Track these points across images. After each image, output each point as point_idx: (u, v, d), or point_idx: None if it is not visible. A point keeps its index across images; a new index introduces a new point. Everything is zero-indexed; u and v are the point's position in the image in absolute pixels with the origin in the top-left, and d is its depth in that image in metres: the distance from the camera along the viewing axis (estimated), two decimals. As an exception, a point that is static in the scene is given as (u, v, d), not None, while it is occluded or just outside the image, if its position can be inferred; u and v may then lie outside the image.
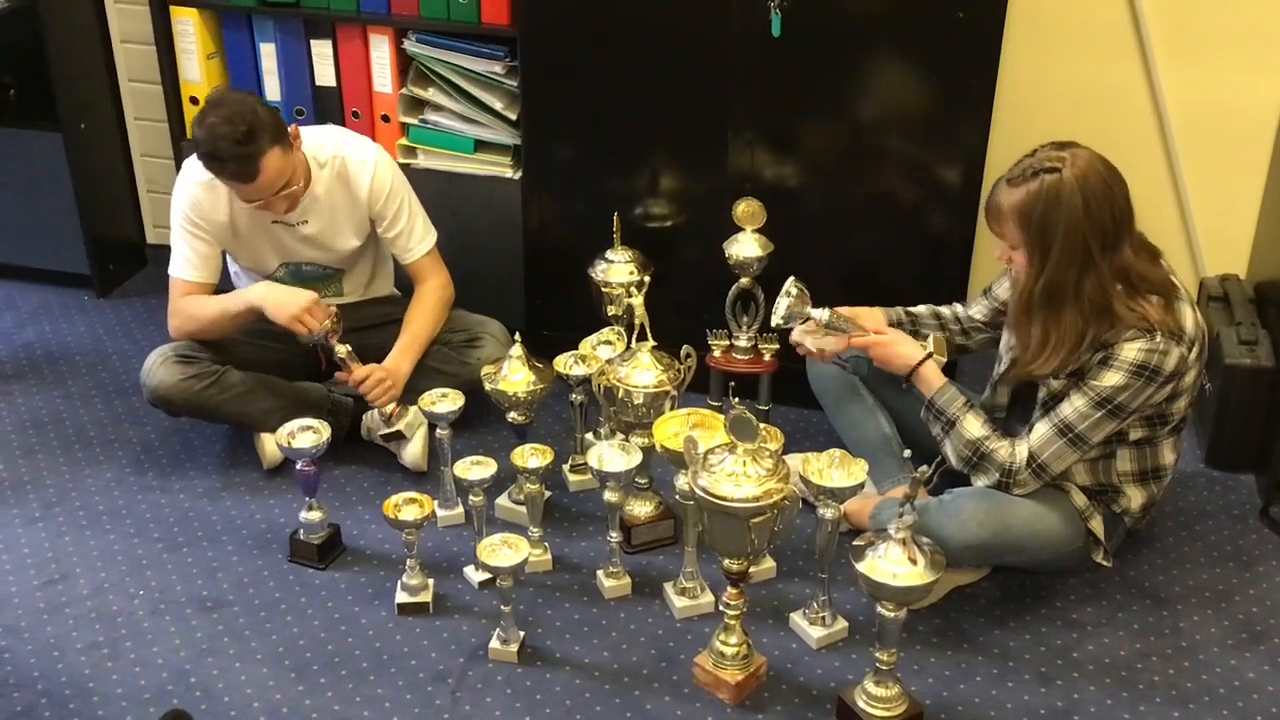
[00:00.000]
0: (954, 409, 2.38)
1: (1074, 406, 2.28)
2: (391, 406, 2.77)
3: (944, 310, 2.66)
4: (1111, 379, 2.23)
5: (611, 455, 2.44)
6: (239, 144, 2.54)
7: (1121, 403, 2.25)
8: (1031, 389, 2.40)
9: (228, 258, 2.89)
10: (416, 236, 2.87)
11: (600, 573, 2.53)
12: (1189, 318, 2.27)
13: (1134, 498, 2.43)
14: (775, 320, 2.55)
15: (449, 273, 2.93)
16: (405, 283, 3.01)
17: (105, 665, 2.34)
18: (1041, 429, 2.31)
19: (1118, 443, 2.37)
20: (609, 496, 2.44)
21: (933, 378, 2.42)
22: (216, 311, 2.78)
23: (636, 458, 2.43)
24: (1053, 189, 2.18)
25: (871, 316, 2.58)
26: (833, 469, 2.30)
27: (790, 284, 2.53)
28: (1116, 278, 2.23)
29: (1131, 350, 2.22)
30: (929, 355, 2.44)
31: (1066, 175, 2.18)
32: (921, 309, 2.66)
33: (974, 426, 2.36)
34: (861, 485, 2.32)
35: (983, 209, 2.34)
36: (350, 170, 2.79)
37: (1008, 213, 2.23)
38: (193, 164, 2.78)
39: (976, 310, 2.63)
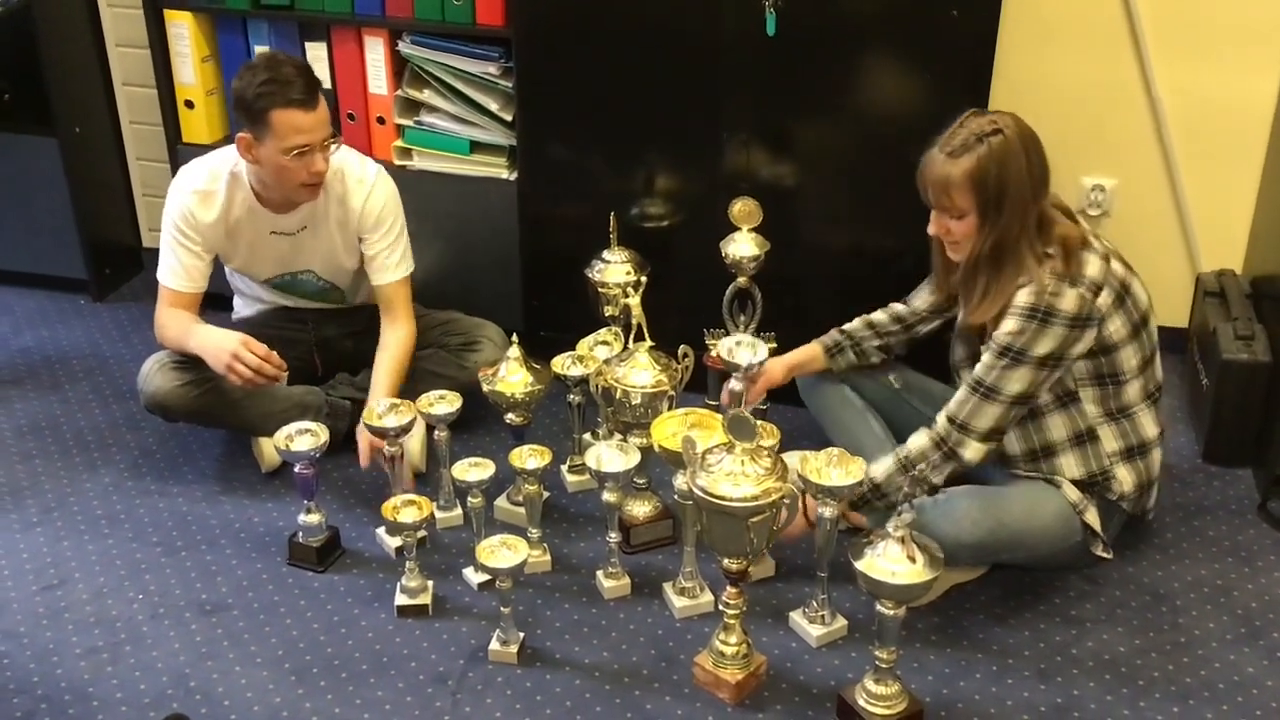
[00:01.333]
0: (868, 480, 2.36)
1: (982, 362, 2.34)
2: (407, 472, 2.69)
3: (879, 316, 2.67)
4: (1006, 326, 2.30)
5: (610, 456, 2.44)
6: (301, 68, 2.59)
7: (1021, 347, 2.28)
8: None
9: (220, 257, 2.88)
10: (394, 260, 2.82)
11: (600, 573, 2.53)
12: (1093, 264, 2.32)
13: (1124, 479, 2.44)
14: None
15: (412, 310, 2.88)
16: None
17: (105, 670, 2.34)
18: (958, 394, 2.36)
19: (1075, 408, 2.39)
20: (607, 497, 2.44)
21: (847, 514, 2.43)
22: (175, 342, 2.78)
23: (635, 458, 2.44)
24: (1000, 150, 2.25)
25: (773, 367, 2.64)
26: (831, 467, 2.31)
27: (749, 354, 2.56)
28: (1035, 226, 2.32)
29: (1021, 295, 2.30)
30: (813, 525, 2.37)
31: (1009, 135, 2.26)
32: (856, 324, 2.68)
33: (880, 465, 2.38)
34: (860, 483, 2.32)
35: (921, 186, 2.35)
36: (348, 187, 2.78)
37: (960, 181, 2.26)
38: (187, 171, 2.78)
39: (921, 301, 2.64)
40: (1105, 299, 2.32)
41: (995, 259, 2.32)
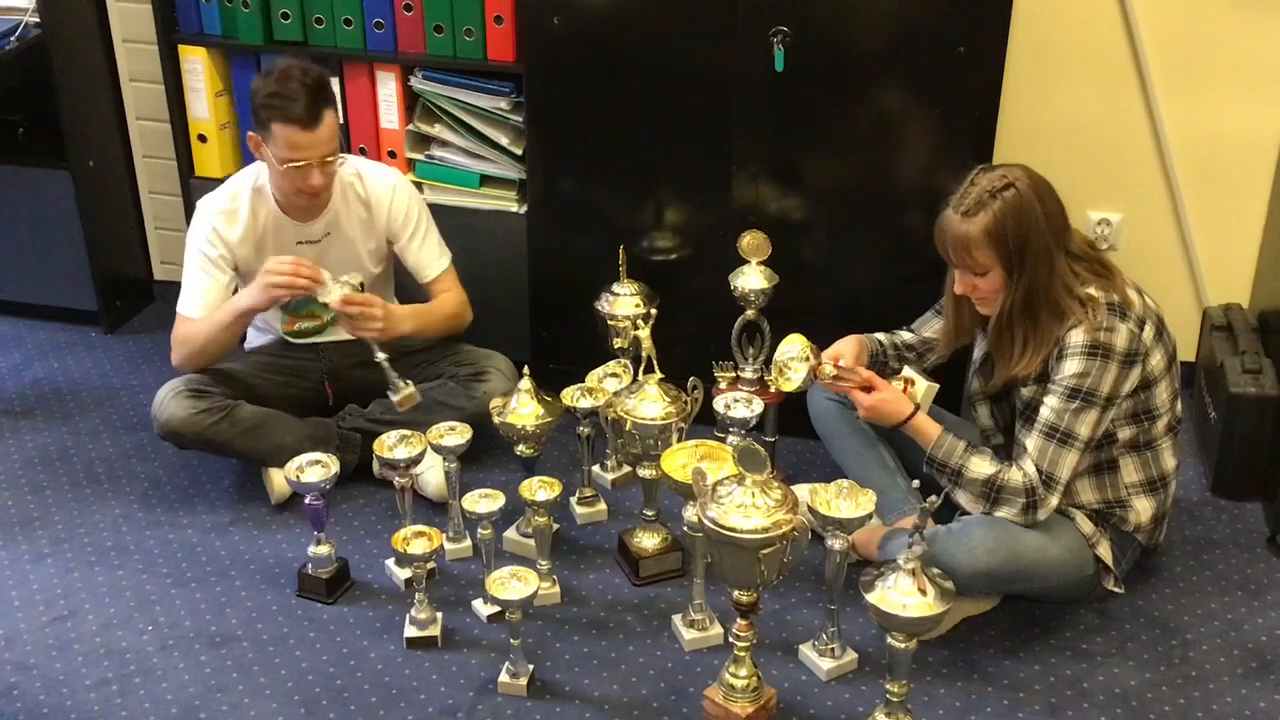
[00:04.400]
0: (956, 458, 2.38)
1: (1049, 407, 2.32)
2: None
3: (886, 340, 2.66)
4: (1070, 368, 2.30)
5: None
6: (309, 86, 2.61)
7: (1090, 389, 2.29)
8: (1008, 405, 2.47)
9: (240, 284, 2.89)
10: (433, 255, 2.92)
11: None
12: (1133, 297, 2.35)
13: (1142, 510, 2.45)
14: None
15: (466, 296, 2.96)
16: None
17: (114, 702, 2.34)
18: (1033, 441, 2.34)
19: (1109, 445, 2.39)
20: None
21: (926, 428, 2.43)
22: (209, 329, 2.78)
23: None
24: (1014, 204, 2.27)
25: (850, 349, 2.58)
26: (841, 500, 2.31)
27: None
28: (1067, 269, 2.34)
29: (1077, 335, 2.30)
30: (917, 409, 2.44)
31: (1021, 188, 2.28)
32: (882, 339, 2.66)
33: (982, 466, 2.36)
34: (870, 516, 2.32)
35: (941, 247, 2.36)
36: (370, 188, 2.85)
37: (978, 239, 2.28)
38: (207, 199, 2.82)
39: (930, 331, 2.65)
40: (1148, 333, 2.35)
41: (1029, 308, 2.32)
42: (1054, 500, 2.33)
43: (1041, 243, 2.28)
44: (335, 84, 3.15)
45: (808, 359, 2.51)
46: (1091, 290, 2.33)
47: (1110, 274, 2.37)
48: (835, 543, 2.31)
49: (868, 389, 2.46)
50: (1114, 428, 2.38)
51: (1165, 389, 2.40)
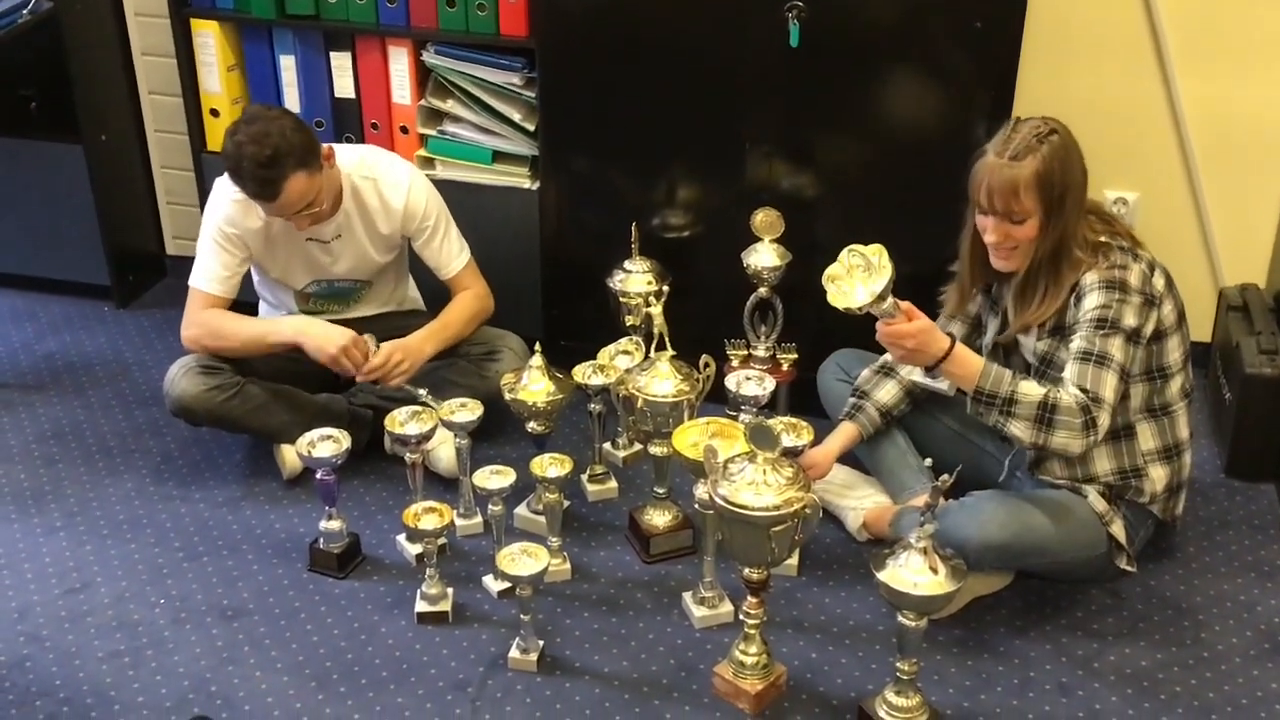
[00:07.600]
0: (1006, 385, 2.27)
1: (1079, 338, 2.30)
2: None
3: (901, 390, 2.61)
4: (1089, 303, 2.30)
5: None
6: (261, 166, 2.57)
7: (1113, 318, 2.28)
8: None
9: (253, 268, 2.90)
10: (452, 252, 2.91)
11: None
12: (1142, 243, 2.39)
13: (1157, 480, 2.44)
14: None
15: (487, 285, 2.96)
16: (434, 300, 3.05)
17: (126, 674, 2.35)
18: (1070, 369, 2.29)
19: (1124, 409, 2.37)
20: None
21: (968, 360, 2.30)
22: (252, 335, 2.80)
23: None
24: (1060, 148, 2.28)
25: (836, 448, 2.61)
26: (858, 274, 2.24)
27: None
28: (1085, 221, 2.36)
29: (1091, 275, 2.32)
30: (954, 341, 2.28)
31: (1063, 133, 2.30)
32: (893, 395, 2.61)
33: (1033, 388, 2.27)
34: (890, 281, 2.21)
35: (984, 193, 2.30)
36: (384, 192, 2.82)
37: (1028, 182, 2.26)
38: (227, 180, 2.80)
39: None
40: (1159, 280, 2.35)
41: (1055, 257, 2.32)
42: (1105, 419, 2.26)
43: (1078, 189, 2.30)
44: (347, 58, 3.15)
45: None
46: (1103, 238, 2.35)
47: (1114, 225, 2.39)
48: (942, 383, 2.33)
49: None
50: (1128, 384, 2.36)
51: (1177, 347, 2.39)
